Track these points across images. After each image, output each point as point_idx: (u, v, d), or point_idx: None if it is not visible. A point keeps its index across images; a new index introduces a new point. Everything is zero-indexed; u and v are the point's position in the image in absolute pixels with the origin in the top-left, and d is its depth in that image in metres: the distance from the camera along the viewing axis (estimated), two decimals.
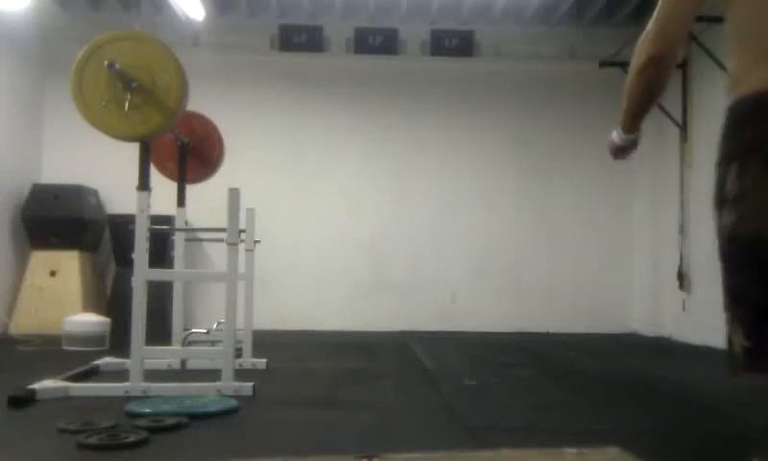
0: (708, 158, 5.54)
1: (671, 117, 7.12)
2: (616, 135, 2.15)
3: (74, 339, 5.33)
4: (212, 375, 3.58)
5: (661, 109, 7.23)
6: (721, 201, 1.69)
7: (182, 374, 4.12)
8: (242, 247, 4.04)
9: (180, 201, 4.55)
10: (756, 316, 1.54)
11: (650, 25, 1.75)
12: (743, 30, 1.64)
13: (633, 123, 2.03)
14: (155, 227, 3.71)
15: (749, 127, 1.63)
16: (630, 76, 1.85)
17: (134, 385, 3.35)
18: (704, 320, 6.55)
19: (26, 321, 6.45)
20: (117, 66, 3.23)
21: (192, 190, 4.69)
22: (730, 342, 1.59)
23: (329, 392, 3.81)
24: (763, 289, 1.53)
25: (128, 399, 3.22)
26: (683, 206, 6.97)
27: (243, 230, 4.20)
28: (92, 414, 2.83)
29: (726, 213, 1.66)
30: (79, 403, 3.19)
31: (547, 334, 7.37)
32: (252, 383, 3.46)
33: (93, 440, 2.43)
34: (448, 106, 7.87)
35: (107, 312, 6.24)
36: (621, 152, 2.08)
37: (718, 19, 5.90)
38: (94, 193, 7.07)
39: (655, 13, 1.73)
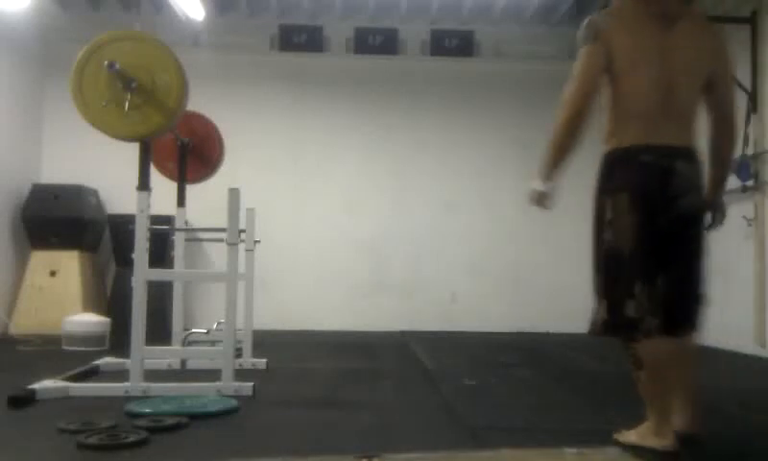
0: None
1: None
2: (539, 185, 2.85)
3: (74, 339, 5.33)
4: (212, 375, 3.58)
5: None
6: (602, 224, 2.55)
7: (182, 374, 4.12)
8: (242, 247, 4.04)
9: (180, 201, 4.55)
10: (615, 300, 2.46)
11: (571, 87, 2.47)
12: (621, 103, 2.45)
13: (556, 171, 2.79)
14: (155, 227, 3.71)
15: (619, 172, 2.49)
16: (557, 129, 2.61)
17: (134, 385, 3.35)
18: (704, 320, 6.55)
19: (26, 321, 6.45)
20: (117, 66, 3.23)
21: (192, 190, 4.69)
22: (595, 313, 2.52)
23: (329, 392, 3.81)
24: (621, 284, 2.44)
25: (128, 399, 3.22)
26: None
27: (243, 230, 4.20)
28: (92, 414, 2.83)
29: (606, 233, 2.50)
30: (79, 403, 3.19)
31: (547, 334, 7.37)
32: (251, 383, 3.47)
33: (93, 440, 2.43)
34: (448, 106, 7.87)
35: (107, 312, 6.24)
36: (544, 200, 2.86)
37: (718, 19, 5.93)
38: (94, 193, 7.07)
39: (574, 79, 2.46)
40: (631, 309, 2.42)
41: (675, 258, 2.64)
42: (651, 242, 2.46)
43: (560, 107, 2.51)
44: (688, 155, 2.48)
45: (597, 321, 2.50)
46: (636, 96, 2.43)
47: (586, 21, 2.48)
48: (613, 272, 2.47)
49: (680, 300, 2.68)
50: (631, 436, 2.55)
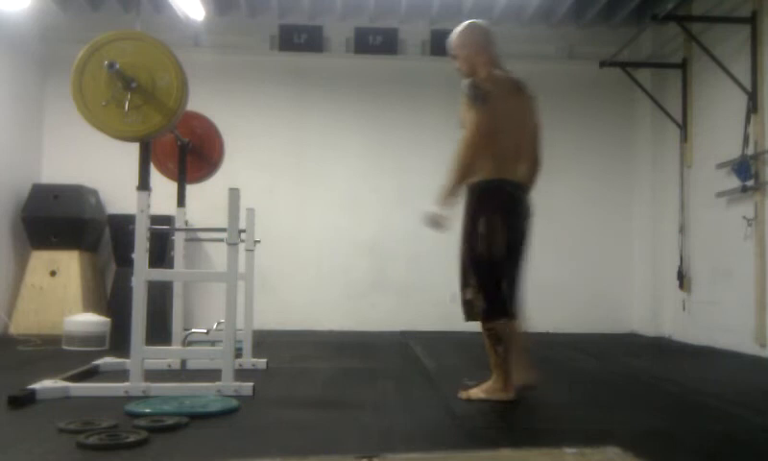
0: (708, 158, 5.61)
1: (671, 117, 7.12)
2: (439, 208, 3.43)
3: (74, 339, 5.33)
4: (212, 375, 3.58)
5: (661, 108, 7.24)
6: (476, 235, 3.39)
7: (182, 374, 4.12)
8: (242, 247, 4.04)
9: (180, 201, 4.54)
10: (491, 293, 3.38)
11: (470, 135, 3.34)
12: (494, 148, 3.31)
13: (458, 191, 3.42)
14: (155, 227, 3.71)
15: (492, 198, 3.36)
16: (460, 167, 3.33)
17: (134, 385, 3.35)
18: (704, 320, 6.55)
19: (26, 321, 6.45)
20: (117, 66, 3.23)
21: (192, 190, 4.69)
22: (472, 303, 3.41)
23: (329, 392, 3.81)
24: (495, 281, 3.40)
25: (128, 399, 3.22)
26: (683, 206, 6.97)
27: (243, 230, 4.20)
28: (92, 414, 2.83)
29: (481, 243, 3.36)
30: (79, 403, 3.19)
31: (547, 334, 7.37)
32: (252, 383, 3.47)
33: (93, 440, 2.43)
34: (448, 106, 7.82)
35: (107, 312, 6.25)
36: (442, 221, 3.46)
37: (718, 19, 5.94)
38: (94, 193, 7.07)
39: (473, 129, 3.34)
40: (501, 299, 3.37)
41: (519, 263, 3.57)
42: (510, 251, 3.43)
43: (461, 150, 3.33)
44: (527, 188, 3.47)
45: (476, 309, 3.36)
46: (505, 144, 3.32)
47: (471, 82, 3.39)
48: (489, 272, 3.35)
49: (520, 292, 3.63)
50: (479, 394, 3.39)
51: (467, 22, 3.63)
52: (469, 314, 3.42)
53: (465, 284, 3.41)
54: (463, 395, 3.41)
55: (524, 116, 3.46)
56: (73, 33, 6.89)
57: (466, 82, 3.39)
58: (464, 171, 3.31)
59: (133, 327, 3.40)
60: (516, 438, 2.71)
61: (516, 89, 3.46)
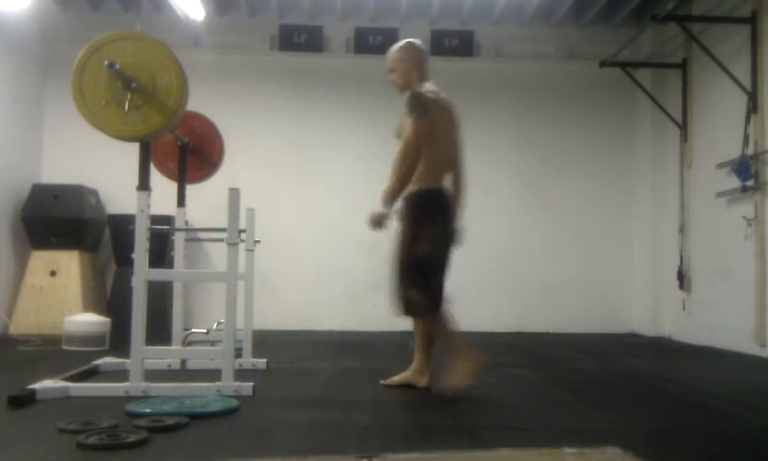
0: (708, 158, 5.62)
1: (671, 117, 7.12)
2: (383, 208, 3.58)
3: (74, 339, 5.33)
4: (212, 375, 3.58)
5: (661, 108, 7.24)
6: (422, 240, 3.58)
7: (182, 374, 4.12)
8: (242, 247, 4.04)
9: (180, 201, 4.54)
10: (434, 291, 3.63)
11: (410, 143, 3.51)
12: (432, 157, 3.57)
13: (395, 201, 3.63)
14: (155, 227, 3.71)
15: (435, 204, 3.64)
16: (401, 171, 3.55)
17: (134, 385, 3.36)
18: (704, 320, 6.56)
19: (26, 321, 6.46)
20: (117, 66, 3.23)
21: (192, 190, 4.69)
22: (413, 301, 3.59)
23: (329, 392, 3.81)
24: (438, 280, 3.66)
25: (128, 399, 3.22)
26: (683, 206, 6.97)
27: (243, 230, 4.20)
28: (92, 414, 2.83)
29: (422, 245, 3.57)
30: (79, 403, 3.20)
31: (547, 334, 7.38)
32: (252, 383, 3.47)
33: (93, 440, 2.43)
34: None
35: (107, 312, 6.25)
36: (384, 221, 3.64)
37: (718, 19, 5.93)
38: (94, 193, 7.07)
39: (412, 136, 3.50)
40: (442, 297, 3.67)
41: (448, 266, 3.77)
42: (448, 253, 3.71)
43: (402, 155, 3.54)
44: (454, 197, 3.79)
45: (416, 306, 3.60)
46: (440, 155, 3.65)
47: (412, 93, 3.61)
48: (430, 273, 3.60)
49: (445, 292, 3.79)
50: (400, 380, 3.77)
51: (405, 40, 3.95)
52: (408, 310, 3.65)
53: (405, 283, 3.63)
54: (386, 382, 3.80)
55: (453, 133, 3.81)
56: (73, 33, 6.89)
57: (407, 94, 3.65)
58: (405, 175, 3.55)
59: (133, 327, 3.40)
60: (516, 438, 2.71)
61: (447, 107, 3.79)
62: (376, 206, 3.68)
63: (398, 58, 3.84)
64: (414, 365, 3.84)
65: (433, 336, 3.74)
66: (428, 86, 3.72)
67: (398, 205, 3.63)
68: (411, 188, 3.60)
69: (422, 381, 3.76)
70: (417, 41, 3.92)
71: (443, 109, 3.73)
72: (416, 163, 3.55)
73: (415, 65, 3.80)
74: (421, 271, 3.58)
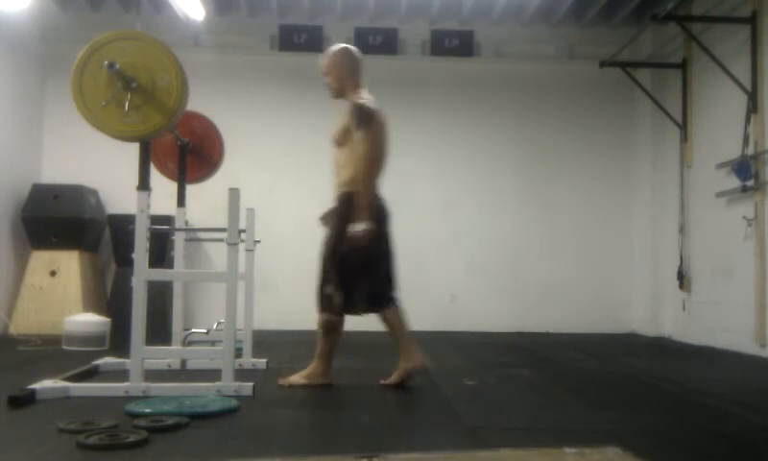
0: (708, 158, 5.62)
1: (671, 117, 7.13)
2: (366, 225, 3.62)
3: (74, 339, 5.33)
4: (212, 375, 3.58)
5: (661, 108, 7.24)
6: (349, 240, 3.65)
7: (182, 374, 4.12)
8: (242, 247, 4.04)
9: (180, 201, 4.54)
10: (349, 291, 3.75)
11: (372, 153, 3.68)
12: (375, 163, 3.75)
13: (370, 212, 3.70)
14: (155, 227, 3.71)
15: (370, 207, 3.66)
16: (369, 168, 3.67)
17: (134, 385, 3.35)
18: (704, 320, 6.56)
19: (26, 321, 6.46)
20: (117, 66, 3.23)
21: (192, 190, 4.69)
22: (330, 297, 3.77)
23: (329, 392, 3.81)
24: (355, 282, 3.76)
25: (128, 399, 3.22)
26: (683, 206, 6.97)
27: (243, 230, 4.20)
28: (92, 414, 2.83)
29: (347, 246, 3.65)
30: (79, 403, 3.19)
31: (547, 334, 7.38)
32: (252, 383, 3.47)
33: (93, 440, 2.43)
34: (448, 106, 7.87)
35: (107, 312, 6.25)
36: (370, 236, 3.64)
37: (718, 19, 5.93)
38: (94, 193, 7.07)
39: (373, 146, 3.69)
40: (355, 298, 3.80)
41: (391, 265, 3.95)
42: (384, 255, 3.84)
43: (366, 175, 3.65)
44: None
45: (334, 303, 3.76)
46: (382, 162, 3.83)
47: (358, 104, 3.70)
48: (353, 273, 3.70)
49: (395, 288, 4.01)
50: (299, 380, 3.78)
51: (341, 45, 3.97)
52: (326, 307, 3.79)
53: (326, 280, 3.76)
54: (284, 382, 3.77)
55: (388, 141, 3.92)
56: (73, 33, 6.89)
57: (352, 105, 3.72)
58: (374, 184, 3.73)
59: (133, 327, 3.40)
60: (516, 438, 2.71)
61: (383, 116, 3.89)
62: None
63: (334, 63, 3.86)
64: (313, 366, 3.90)
65: (337, 335, 3.91)
66: (366, 95, 3.81)
67: (331, 204, 3.79)
68: (343, 189, 3.73)
69: (323, 380, 3.84)
70: (352, 48, 3.98)
71: (382, 119, 3.86)
72: (379, 172, 3.79)
73: (350, 72, 3.85)
74: (342, 270, 3.71)
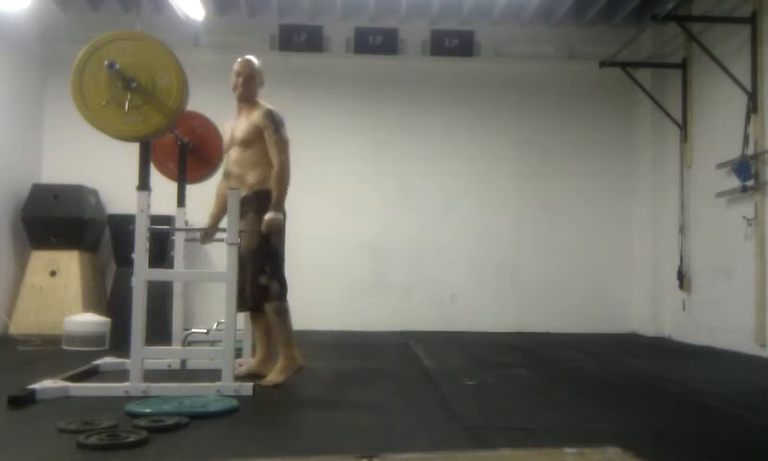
0: (708, 158, 5.64)
1: (671, 117, 7.13)
2: (280, 216, 3.86)
3: (74, 339, 5.33)
4: (212, 375, 3.58)
5: (661, 108, 7.24)
6: (272, 234, 3.85)
7: (182, 374, 4.12)
8: None
9: (180, 201, 4.54)
10: (281, 278, 3.90)
11: (286, 158, 3.95)
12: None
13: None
14: (155, 227, 3.71)
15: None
16: (287, 167, 3.93)
17: (134, 385, 3.36)
18: (704, 320, 6.56)
19: (26, 321, 6.45)
20: (117, 66, 3.23)
21: (192, 190, 4.69)
22: (267, 288, 3.82)
23: (329, 392, 3.81)
24: (282, 269, 3.93)
25: (128, 399, 3.22)
26: (683, 206, 6.97)
27: (243, 231, 4.19)
28: (92, 414, 2.83)
29: (276, 239, 3.89)
30: (79, 403, 3.19)
31: (547, 334, 7.38)
32: (252, 383, 3.47)
33: (93, 440, 2.43)
34: (448, 106, 7.87)
35: (107, 312, 6.24)
36: (281, 224, 3.89)
37: (718, 19, 5.94)
38: (94, 193, 7.07)
39: (286, 152, 3.96)
40: (286, 282, 3.93)
41: None
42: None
43: (285, 171, 3.91)
44: None
45: (271, 292, 3.82)
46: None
47: (273, 111, 4.07)
48: (280, 262, 3.93)
49: None
50: (278, 378, 3.78)
51: (253, 58, 4.34)
52: (263, 298, 3.83)
53: (259, 272, 3.83)
54: (267, 383, 3.76)
55: None
56: (73, 33, 6.89)
57: (265, 109, 4.05)
58: (287, 185, 3.94)
59: (133, 327, 3.40)
60: (516, 438, 2.71)
61: None
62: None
63: (253, 71, 4.18)
64: (259, 355, 4.11)
65: (275, 324, 3.90)
66: (268, 104, 4.15)
67: (241, 200, 3.81)
68: (259, 187, 3.92)
69: (267, 369, 3.94)
70: (259, 62, 4.34)
71: None
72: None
73: (259, 84, 4.24)
74: (273, 260, 3.88)
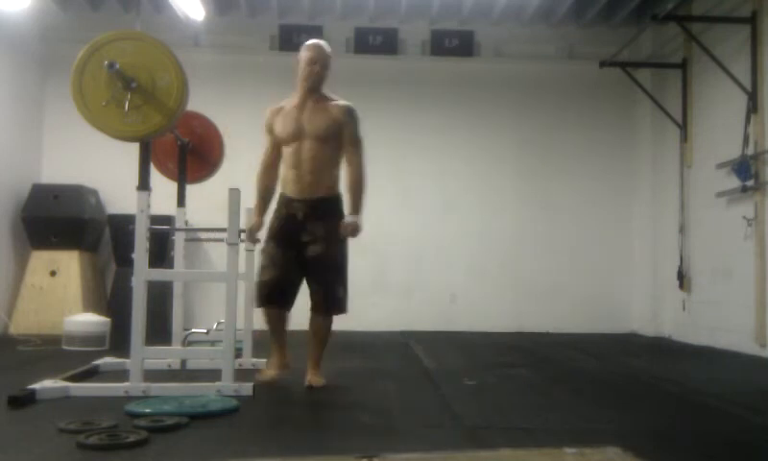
0: (708, 158, 5.64)
1: (671, 117, 7.13)
2: (358, 219, 3.73)
3: (74, 339, 5.32)
4: (212, 375, 3.58)
5: (661, 108, 7.24)
6: (343, 239, 3.77)
7: (182, 374, 4.12)
8: (242, 247, 4.04)
9: (180, 201, 4.54)
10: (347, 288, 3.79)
11: (362, 147, 3.85)
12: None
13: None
14: (155, 227, 3.71)
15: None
16: (366, 172, 3.75)
17: (134, 385, 3.36)
18: (704, 320, 6.56)
19: (26, 321, 6.45)
20: (117, 66, 3.23)
21: (192, 190, 4.69)
22: (342, 299, 3.74)
23: (329, 392, 3.81)
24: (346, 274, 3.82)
25: (128, 399, 3.22)
26: (683, 206, 6.97)
27: (243, 231, 4.19)
28: (92, 414, 2.83)
29: (344, 245, 3.79)
30: (79, 403, 3.19)
31: (547, 334, 7.37)
32: (252, 383, 3.47)
33: (93, 440, 2.43)
34: (448, 106, 7.87)
35: (107, 312, 6.24)
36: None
37: (718, 19, 5.95)
38: (94, 193, 7.07)
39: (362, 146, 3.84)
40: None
41: None
42: None
43: (364, 167, 3.80)
44: None
45: (345, 303, 3.80)
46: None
47: (357, 115, 3.90)
48: (346, 270, 3.85)
49: None
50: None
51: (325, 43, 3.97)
52: (337, 308, 3.77)
53: (339, 283, 3.74)
54: (317, 383, 3.71)
55: None
56: (73, 33, 6.89)
57: (346, 105, 3.88)
58: (367, 186, 3.80)
59: (133, 327, 3.40)
60: (516, 438, 2.71)
61: None
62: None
63: (328, 60, 3.91)
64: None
65: (327, 330, 3.85)
66: (340, 98, 3.95)
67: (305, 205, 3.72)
68: (335, 190, 3.80)
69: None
70: None
71: None
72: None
73: (328, 76, 3.95)
74: (347, 269, 3.81)
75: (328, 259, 3.71)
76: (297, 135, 3.74)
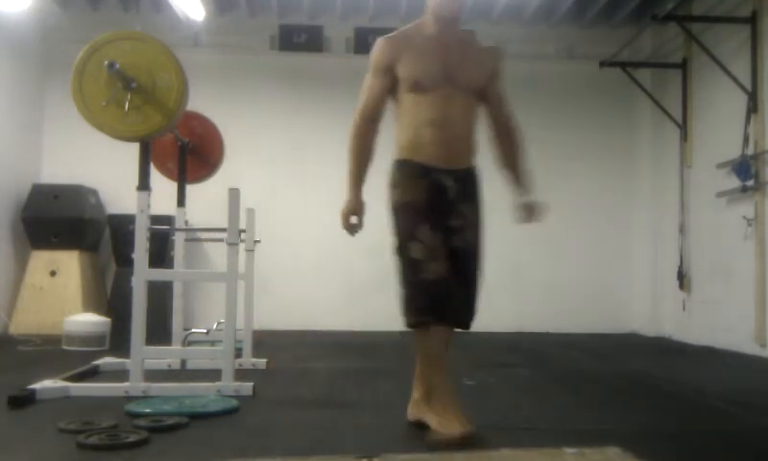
0: (708, 158, 5.64)
1: (671, 117, 7.12)
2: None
3: (74, 339, 5.33)
4: (212, 375, 3.58)
5: (661, 108, 7.24)
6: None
7: (182, 374, 4.12)
8: (242, 247, 4.04)
9: (180, 201, 4.54)
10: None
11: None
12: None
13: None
14: (155, 227, 3.71)
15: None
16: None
17: (134, 385, 3.36)
18: (704, 320, 6.55)
19: (26, 321, 6.45)
20: (117, 66, 3.23)
21: (192, 190, 4.69)
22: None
23: (329, 392, 3.81)
24: None
25: (128, 399, 3.22)
26: (682, 205, 6.97)
27: (243, 230, 4.20)
28: (92, 414, 2.83)
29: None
30: (79, 403, 3.20)
31: (547, 334, 7.37)
32: (252, 383, 3.47)
33: (93, 440, 2.43)
34: None
35: (107, 312, 6.24)
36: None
37: (718, 19, 5.95)
38: (94, 193, 7.07)
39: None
40: None
41: None
42: None
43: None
44: None
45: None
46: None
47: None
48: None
49: None
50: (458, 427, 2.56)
51: None
52: (473, 313, 2.98)
53: (477, 280, 2.90)
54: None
55: None
56: (73, 33, 6.88)
57: (495, 47, 2.96)
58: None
59: (133, 327, 3.40)
60: (516, 438, 2.71)
61: None
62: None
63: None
64: (423, 391, 2.81)
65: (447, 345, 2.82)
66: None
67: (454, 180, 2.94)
68: (475, 160, 2.95)
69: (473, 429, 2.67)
70: None
71: None
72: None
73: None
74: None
75: (477, 253, 2.96)
76: (442, 82, 2.74)
